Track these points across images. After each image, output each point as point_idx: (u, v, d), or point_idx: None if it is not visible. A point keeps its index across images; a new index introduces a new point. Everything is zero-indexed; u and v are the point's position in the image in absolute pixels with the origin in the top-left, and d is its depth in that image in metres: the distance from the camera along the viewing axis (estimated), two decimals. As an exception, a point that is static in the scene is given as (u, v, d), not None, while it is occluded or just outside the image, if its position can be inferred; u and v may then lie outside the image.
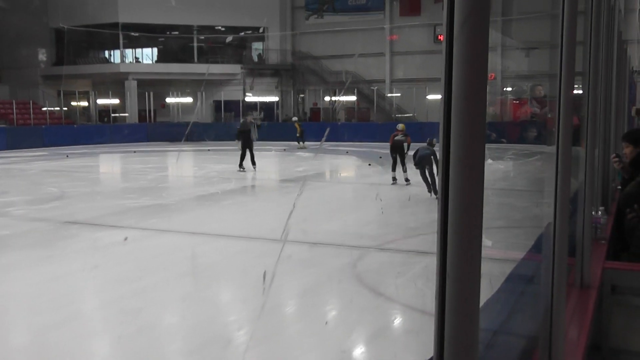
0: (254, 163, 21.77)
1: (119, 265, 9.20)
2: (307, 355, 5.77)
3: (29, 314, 7.15)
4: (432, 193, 15.25)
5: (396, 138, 17.72)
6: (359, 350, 5.92)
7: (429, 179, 15.24)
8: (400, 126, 19.29)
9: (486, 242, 1.45)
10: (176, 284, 8.10)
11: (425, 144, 15.89)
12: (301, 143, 33.52)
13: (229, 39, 41.18)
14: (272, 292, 7.24)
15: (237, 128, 23.22)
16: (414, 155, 15.87)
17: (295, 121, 34.96)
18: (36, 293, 7.93)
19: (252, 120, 39.53)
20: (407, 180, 17.21)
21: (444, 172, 1.38)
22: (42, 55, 43.05)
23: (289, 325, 6.68)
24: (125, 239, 10.52)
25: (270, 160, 28.90)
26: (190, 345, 6.05)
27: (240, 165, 21.59)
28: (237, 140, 22.49)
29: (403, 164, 17.42)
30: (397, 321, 6.75)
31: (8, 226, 12.53)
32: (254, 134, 36.87)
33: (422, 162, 15.36)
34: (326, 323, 6.50)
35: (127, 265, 9.15)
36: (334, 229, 11.30)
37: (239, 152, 21.65)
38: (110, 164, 29.23)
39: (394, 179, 17.69)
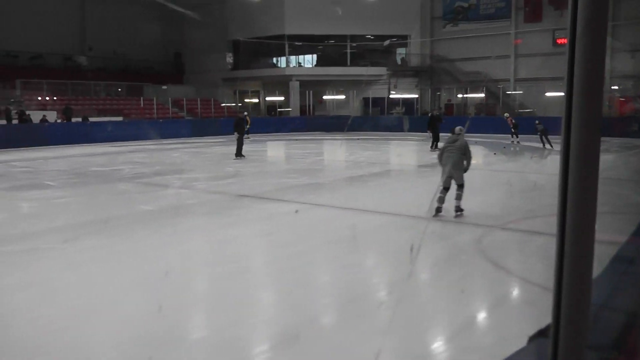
0: (437, 147, 23.71)
1: (282, 231, 9.55)
2: (439, 316, 5.74)
3: (208, 266, 7.61)
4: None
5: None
6: (483, 316, 5.82)
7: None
8: (507, 114, 23.91)
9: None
10: (329, 249, 8.28)
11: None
12: (247, 135, 33.47)
13: (387, 42, 41.36)
14: (411, 260, 7.24)
15: (427, 121, 26.30)
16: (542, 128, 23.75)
17: (246, 115, 34.79)
18: (214, 250, 8.42)
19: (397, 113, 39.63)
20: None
21: (564, 161, 1.36)
22: (228, 59, 44.93)
23: (424, 290, 6.65)
24: (297, 211, 10.82)
25: (409, 148, 28.75)
26: (342, 299, 6.15)
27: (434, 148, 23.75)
28: (428, 132, 25.39)
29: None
30: (516, 292, 6.56)
31: (193, 197, 13.25)
32: (406, 125, 37.14)
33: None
34: (462, 291, 6.36)
35: (289, 232, 9.47)
36: (464, 209, 11.11)
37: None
38: (275, 150, 30.07)
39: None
